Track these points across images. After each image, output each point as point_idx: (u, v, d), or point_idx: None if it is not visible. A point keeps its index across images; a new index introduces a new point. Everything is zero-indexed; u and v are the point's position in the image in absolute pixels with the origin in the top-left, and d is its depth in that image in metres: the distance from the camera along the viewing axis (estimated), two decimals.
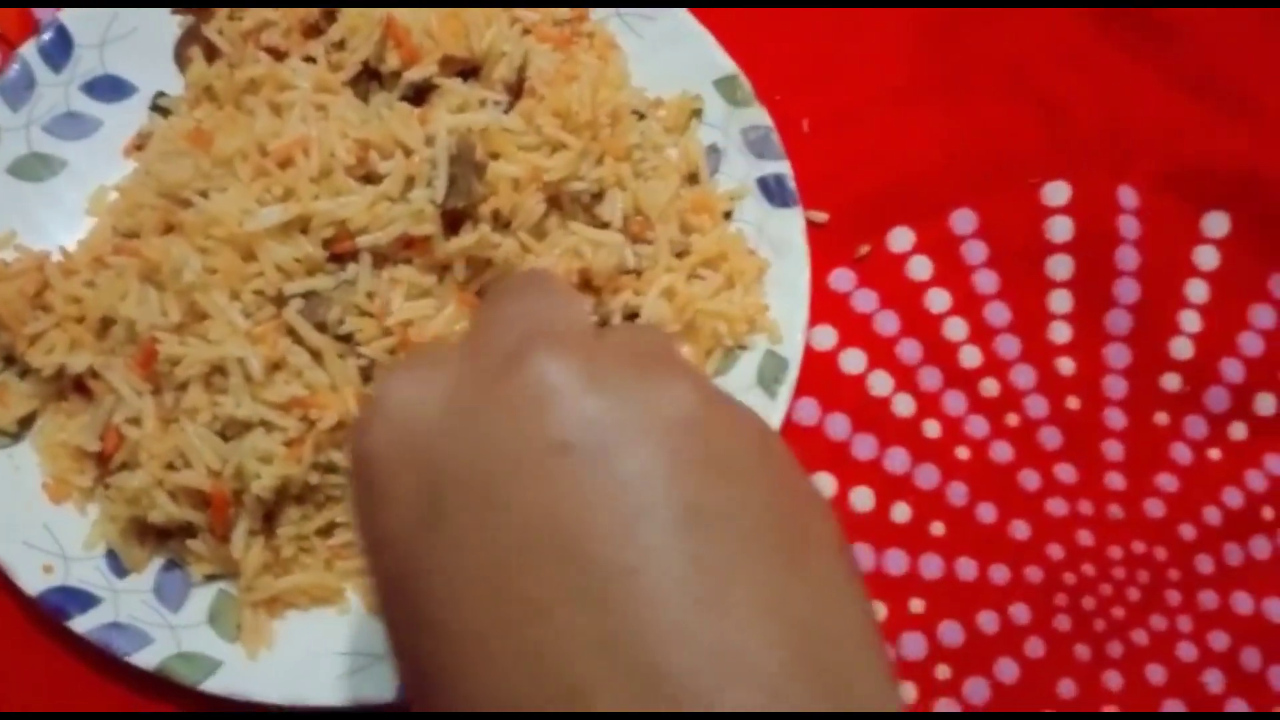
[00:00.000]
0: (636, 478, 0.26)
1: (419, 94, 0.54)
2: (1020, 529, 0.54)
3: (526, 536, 0.26)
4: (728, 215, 0.57)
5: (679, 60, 0.59)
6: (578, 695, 0.25)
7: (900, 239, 0.58)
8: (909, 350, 0.56)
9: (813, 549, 0.27)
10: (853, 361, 0.56)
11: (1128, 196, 0.59)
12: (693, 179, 0.58)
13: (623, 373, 0.28)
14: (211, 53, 0.54)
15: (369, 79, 0.54)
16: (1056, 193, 0.59)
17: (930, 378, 0.56)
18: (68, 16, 0.55)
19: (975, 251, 0.58)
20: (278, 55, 0.53)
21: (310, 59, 0.53)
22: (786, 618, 0.25)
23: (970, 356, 0.56)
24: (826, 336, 0.56)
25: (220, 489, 0.47)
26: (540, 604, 0.25)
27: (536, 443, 0.27)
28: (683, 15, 0.59)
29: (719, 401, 0.29)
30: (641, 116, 0.56)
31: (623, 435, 0.26)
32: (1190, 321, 0.58)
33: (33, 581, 0.47)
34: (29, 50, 0.54)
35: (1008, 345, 0.57)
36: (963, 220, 0.58)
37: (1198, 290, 0.58)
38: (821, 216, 0.58)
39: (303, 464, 0.47)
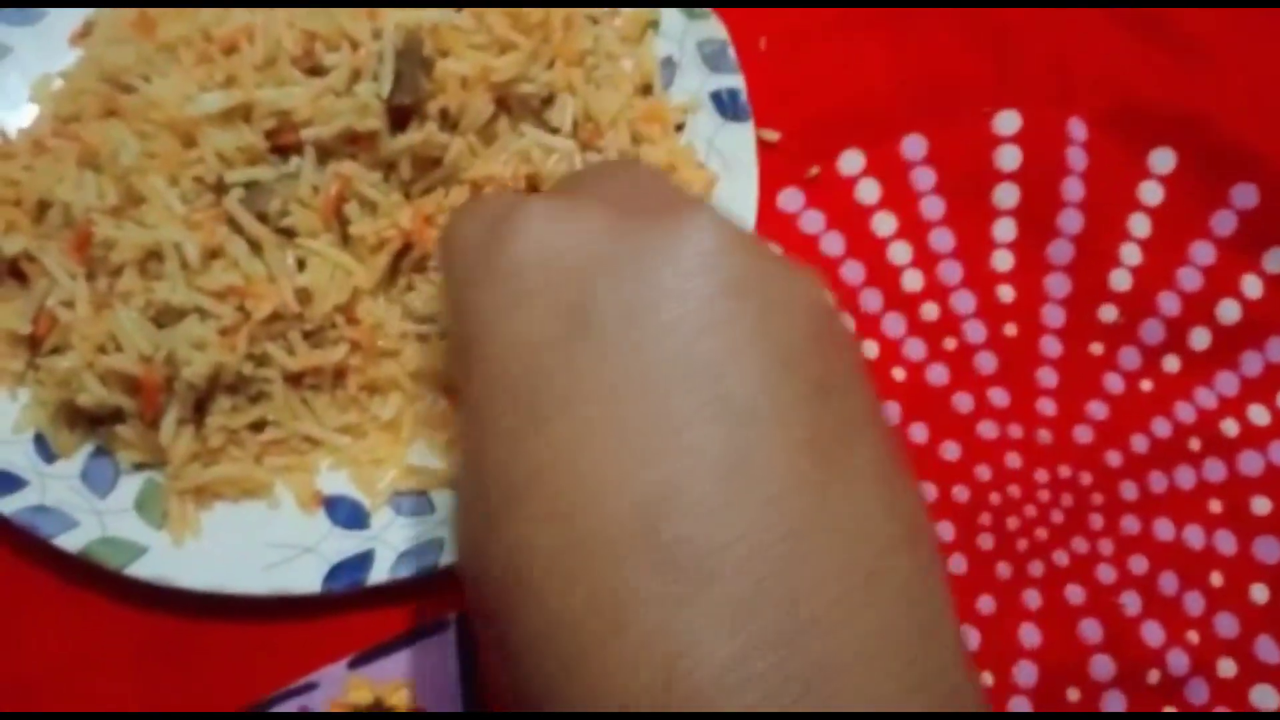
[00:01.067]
0: (786, 341, 0.29)
1: None
2: (950, 450, 0.55)
3: (675, 360, 0.28)
4: (679, 128, 0.57)
5: None
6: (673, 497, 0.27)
7: (850, 162, 0.58)
8: (852, 272, 0.57)
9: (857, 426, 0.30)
10: None
11: (1077, 129, 0.59)
12: (646, 90, 0.58)
13: (767, 250, 0.32)
14: None
15: None
16: (1007, 122, 0.59)
17: (872, 299, 0.56)
18: None
19: (924, 177, 0.58)
20: None
21: None
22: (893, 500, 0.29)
23: (912, 280, 0.57)
24: None
25: (151, 374, 0.46)
26: (675, 419, 0.27)
27: (703, 287, 0.29)
28: None
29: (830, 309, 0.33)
30: (595, 22, 0.56)
31: (778, 301, 0.29)
32: (1131, 254, 0.58)
33: None
34: None
35: (950, 271, 0.57)
36: (913, 145, 0.59)
37: (1140, 225, 0.59)
38: (773, 135, 0.58)
39: (236, 353, 0.47)
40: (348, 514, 0.50)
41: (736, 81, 0.57)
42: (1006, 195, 0.58)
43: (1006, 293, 0.57)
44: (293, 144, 0.49)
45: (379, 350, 0.51)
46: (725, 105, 0.56)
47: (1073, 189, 0.58)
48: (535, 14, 0.52)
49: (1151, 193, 0.59)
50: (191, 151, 0.48)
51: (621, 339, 0.28)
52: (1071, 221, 0.58)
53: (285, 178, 0.49)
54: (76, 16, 0.55)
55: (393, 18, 0.50)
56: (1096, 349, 0.57)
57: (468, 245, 0.35)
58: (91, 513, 0.48)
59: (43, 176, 0.48)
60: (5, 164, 0.50)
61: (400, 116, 0.50)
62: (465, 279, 0.34)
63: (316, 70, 0.50)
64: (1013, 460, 0.55)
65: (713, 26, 0.57)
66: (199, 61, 0.49)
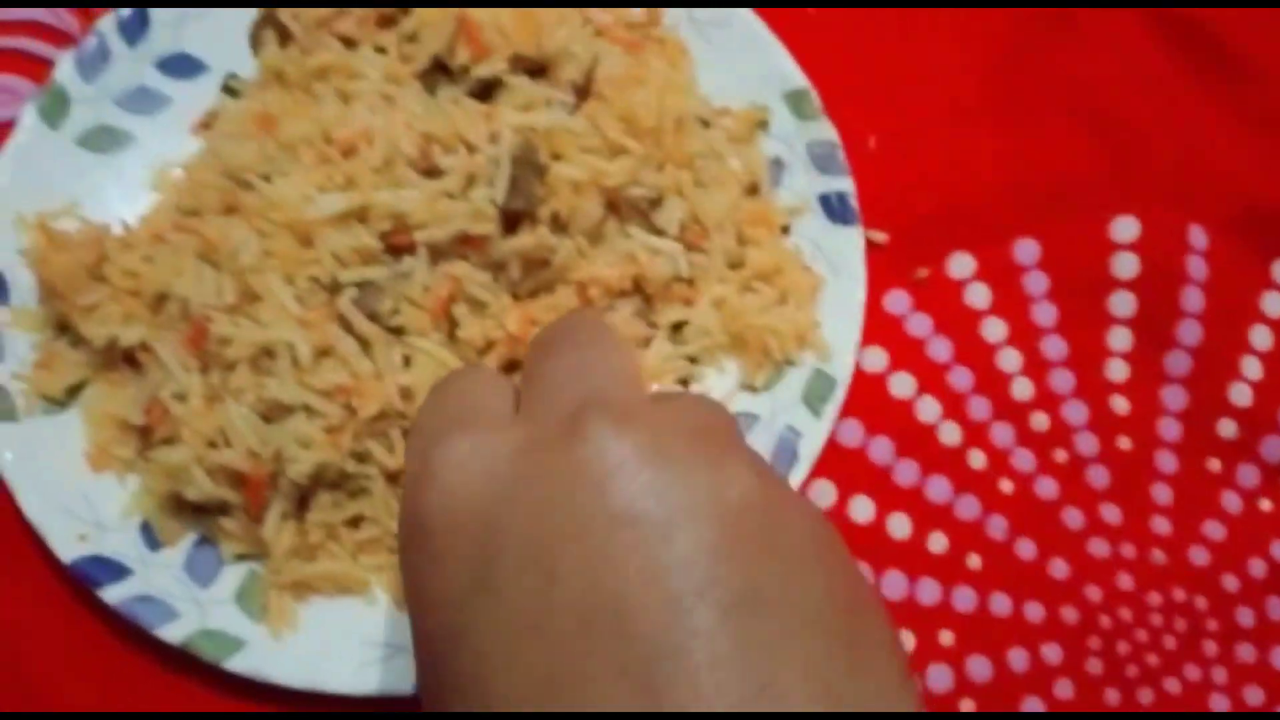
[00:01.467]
0: (692, 557, 0.25)
1: (486, 90, 0.53)
2: (1059, 567, 0.53)
3: (578, 607, 0.26)
4: (785, 230, 0.57)
5: (749, 69, 0.58)
6: None
7: (960, 265, 0.57)
8: (960, 378, 0.55)
9: (868, 644, 0.26)
10: (902, 386, 0.55)
11: (1198, 237, 0.57)
12: (753, 191, 0.57)
13: (683, 450, 0.28)
14: (285, 37, 0.54)
15: (438, 73, 0.54)
16: (1125, 228, 0.57)
17: (979, 408, 0.55)
18: None
19: (1036, 282, 0.57)
20: (349, 44, 0.53)
21: (381, 49, 0.53)
22: (837, 710, 0.24)
23: (1022, 389, 0.55)
24: (877, 358, 0.55)
25: (258, 471, 0.47)
26: (585, 675, 0.25)
27: (596, 515, 0.27)
28: (755, 23, 0.58)
29: (777, 486, 0.29)
30: (706, 125, 0.56)
31: (681, 513, 0.26)
32: (1252, 368, 0.56)
33: (67, 549, 0.48)
34: (107, 24, 0.55)
35: (1062, 380, 0.56)
36: (1025, 250, 0.57)
37: (1262, 337, 0.57)
38: (881, 236, 0.57)
39: (341, 451, 0.48)
40: None
41: (846, 185, 0.56)
42: (1122, 303, 0.57)
43: (1121, 404, 0.56)
44: (406, 245, 0.49)
45: None
46: (834, 208, 0.56)
47: (1192, 299, 0.57)
48: (648, 118, 0.52)
49: (1275, 304, 0.57)
50: (308, 251, 0.48)
51: (524, 588, 0.27)
52: (1190, 332, 0.56)
53: (398, 277, 0.49)
54: (199, 106, 0.56)
55: (508, 119, 0.51)
56: (1214, 465, 0.55)
57: (407, 482, 0.34)
58: (193, 603, 0.49)
59: (162, 270, 0.49)
60: (126, 254, 0.51)
61: (512, 219, 0.50)
62: (401, 539, 0.33)
63: (432, 172, 0.50)
64: (1124, 581, 0.53)
65: (823, 128, 0.57)
66: (318, 162, 0.49)
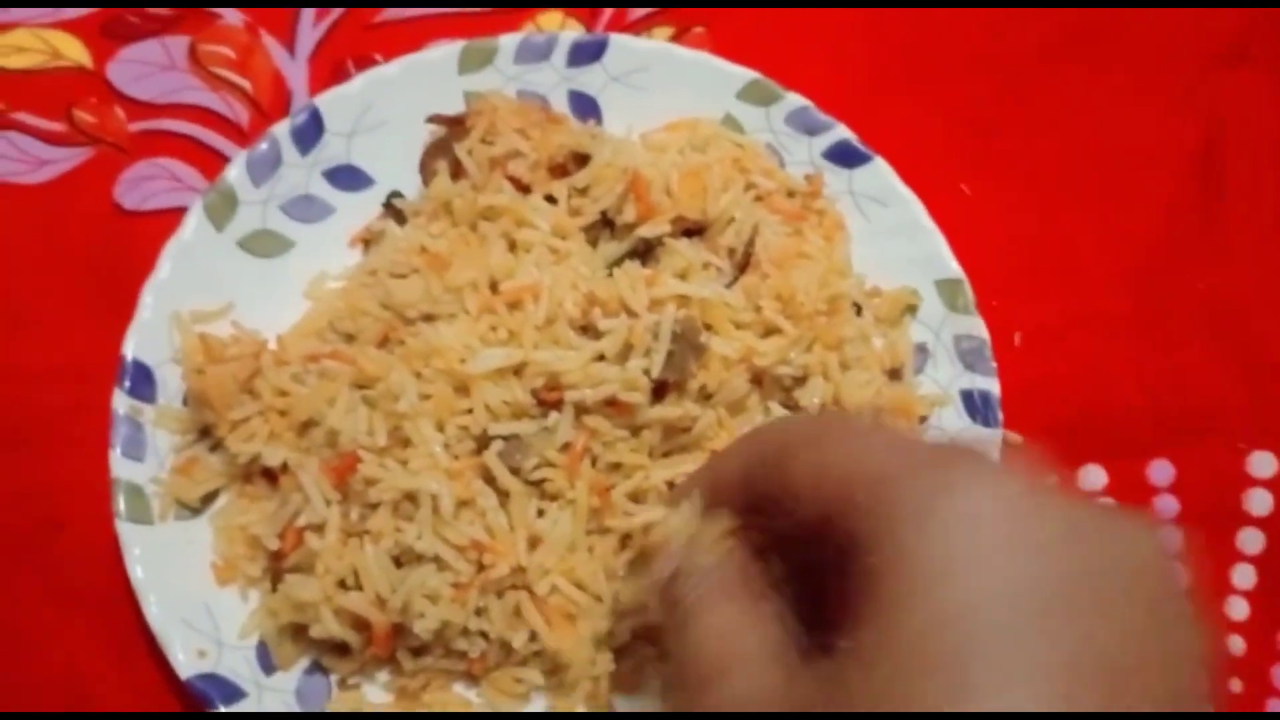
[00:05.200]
0: None
1: (647, 248, 0.54)
2: None
3: None
4: (923, 420, 0.56)
5: (904, 252, 0.58)
6: None
7: (1092, 477, 0.57)
8: None
9: None
10: None
11: None
12: (895, 375, 0.57)
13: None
14: (457, 170, 0.54)
15: (602, 226, 0.54)
16: (1262, 464, 0.57)
17: None
18: (323, 102, 0.56)
19: (1166, 505, 0.57)
20: (521, 187, 0.54)
21: (551, 198, 0.53)
22: None
23: None
24: None
25: (383, 622, 0.47)
26: None
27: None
28: (914, 204, 0.58)
29: None
30: (859, 311, 0.56)
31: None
32: None
33: (185, 665, 0.48)
34: (281, 130, 0.56)
35: None
36: (1159, 471, 0.57)
37: None
38: (1016, 439, 0.57)
39: (466, 610, 0.48)
40: None
41: (991, 385, 0.56)
42: (1251, 540, 0.56)
43: (1237, 644, 0.55)
44: (555, 401, 0.49)
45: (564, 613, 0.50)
46: (976, 408, 0.55)
47: None
48: (807, 302, 0.52)
49: None
50: (463, 400, 0.49)
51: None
52: None
53: (543, 432, 0.49)
54: (359, 219, 0.57)
55: (669, 287, 0.51)
56: None
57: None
58: None
59: (315, 396, 0.50)
60: (278, 371, 0.51)
61: (660, 389, 0.50)
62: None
63: (589, 330, 0.50)
64: None
65: (973, 323, 0.56)
66: (483, 311, 0.50)
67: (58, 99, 0.59)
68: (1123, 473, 0.57)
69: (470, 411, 0.49)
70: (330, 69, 0.60)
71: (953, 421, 0.56)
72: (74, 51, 0.60)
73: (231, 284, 0.54)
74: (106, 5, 0.60)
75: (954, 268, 0.57)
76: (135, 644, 0.50)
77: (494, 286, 0.50)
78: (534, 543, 0.49)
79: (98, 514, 0.51)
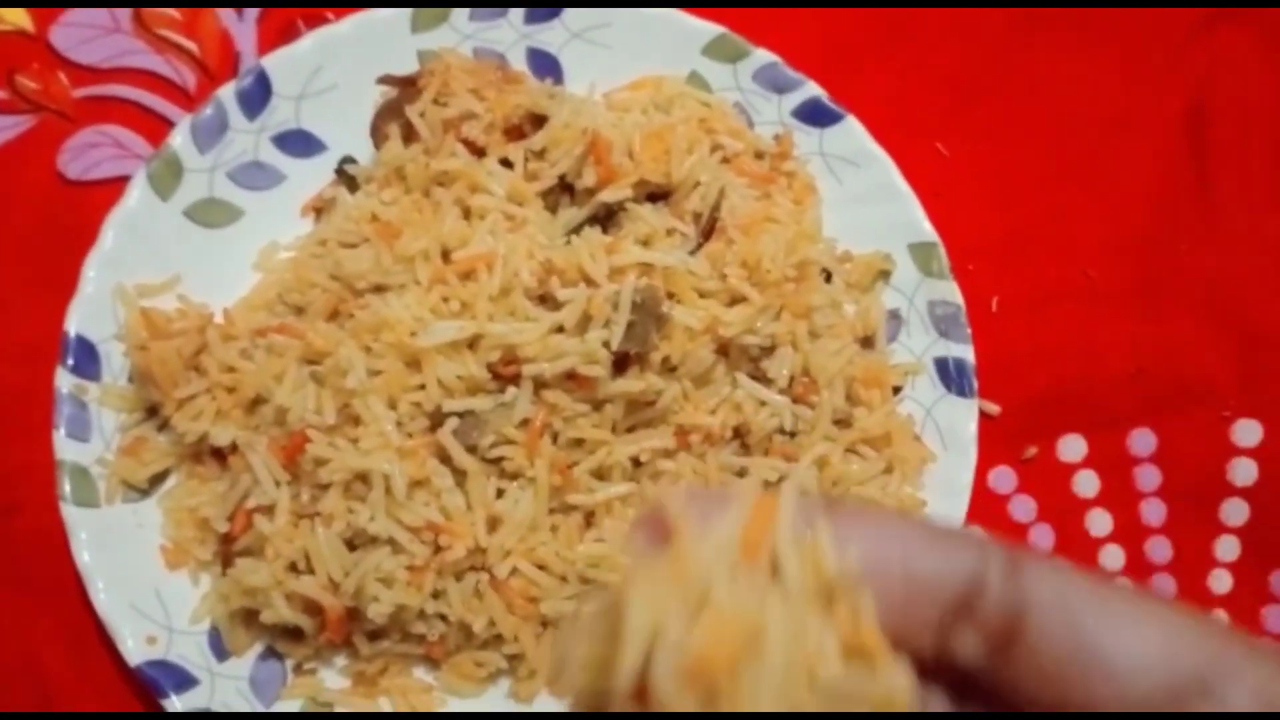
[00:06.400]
0: None
1: (608, 213, 0.52)
2: None
3: None
4: (897, 390, 0.54)
5: (877, 215, 0.56)
6: None
7: (1071, 448, 0.55)
8: None
9: None
10: None
11: None
12: (867, 343, 0.55)
13: None
14: (409, 134, 0.52)
15: (561, 192, 0.52)
16: (1247, 432, 0.55)
17: None
18: (270, 64, 0.54)
19: (1148, 477, 0.55)
20: (475, 150, 0.52)
21: (507, 162, 0.51)
22: None
23: None
24: None
25: (336, 606, 0.45)
26: None
27: None
28: (890, 168, 0.56)
29: None
30: (829, 277, 0.54)
31: None
32: None
33: (135, 652, 0.47)
34: (226, 93, 0.53)
35: (1163, 585, 0.54)
36: (1141, 441, 0.55)
37: None
38: (993, 409, 0.55)
39: (422, 593, 0.46)
40: None
41: (966, 353, 0.54)
42: (1235, 511, 0.54)
43: (1220, 618, 0.53)
44: (512, 375, 0.48)
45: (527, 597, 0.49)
46: (950, 376, 0.54)
47: None
48: (774, 270, 0.50)
49: None
50: (414, 375, 0.47)
51: None
52: None
53: (500, 408, 0.48)
54: (311, 186, 0.55)
55: (631, 255, 0.49)
56: None
57: None
58: None
59: (262, 371, 0.48)
60: (225, 347, 0.49)
61: (622, 361, 0.49)
62: None
63: (548, 300, 0.48)
64: None
65: (948, 288, 0.54)
66: (434, 281, 0.48)
67: None
68: (1103, 443, 0.55)
69: (423, 387, 0.47)
70: (280, 29, 0.58)
71: (926, 391, 0.54)
72: (15, 16, 0.57)
73: (178, 255, 0.52)
74: None
75: (928, 231, 0.55)
76: (88, 630, 0.49)
77: (446, 256, 0.48)
78: (493, 523, 0.48)
79: (51, 498, 0.49)
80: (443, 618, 0.47)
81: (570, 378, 0.48)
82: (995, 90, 0.60)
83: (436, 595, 0.47)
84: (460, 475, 0.47)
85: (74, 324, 0.50)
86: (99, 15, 0.58)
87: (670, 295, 0.50)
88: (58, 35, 0.57)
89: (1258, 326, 0.57)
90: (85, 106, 0.57)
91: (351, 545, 0.46)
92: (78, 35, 0.58)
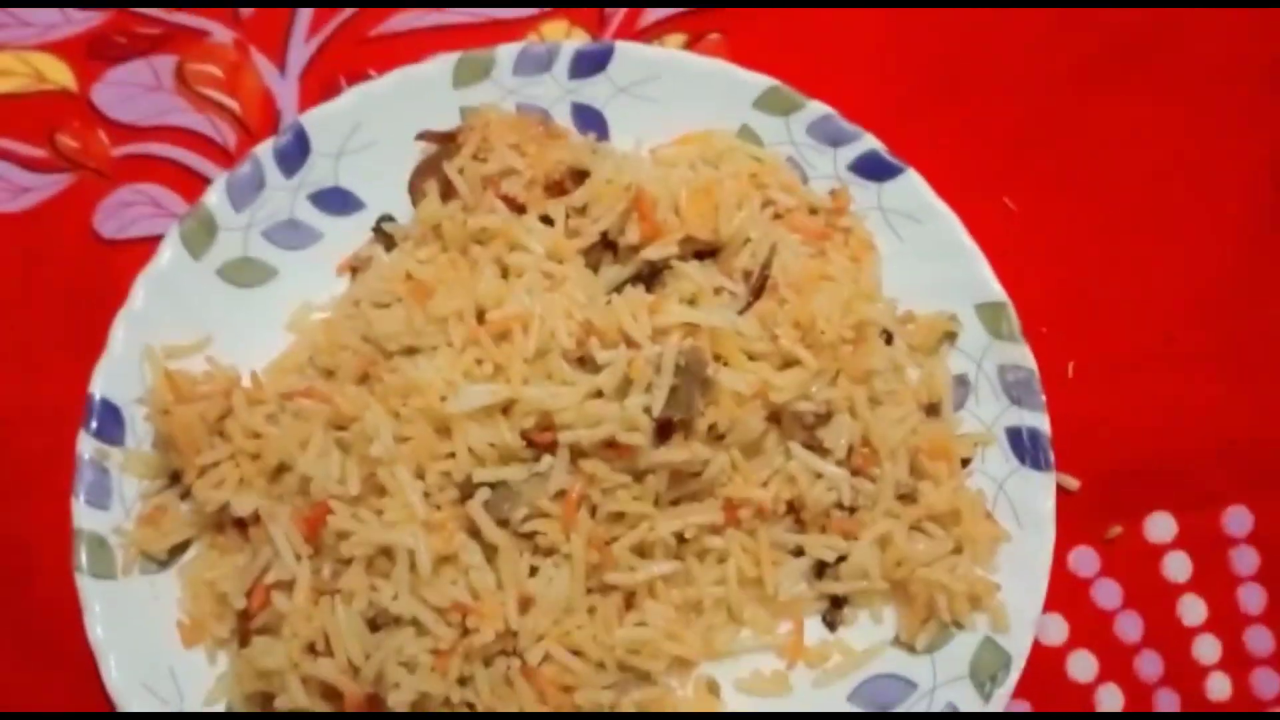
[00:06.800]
0: None
1: (653, 272, 0.49)
2: None
3: None
4: (966, 463, 0.50)
5: (941, 273, 0.52)
6: None
7: (1160, 527, 0.51)
8: (1149, 665, 0.49)
9: None
10: (1082, 667, 0.48)
11: None
12: (932, 410, 0.51)
13: None
14: (448, 190, 0.50)
15: (604, 248, 0.49)
16: None
17: (1168, 702, 0.48)
18: (309, 120, 0.52)
19: (1245, 560, 0.50)
20: (515, 207, 0.49)
21: (548, 219, 0.49)
22: None
23: (1218, 686, 0.48)
24: (1056, 629, 0.49)
25: (355, 692, 0.42)
26: None
27: None
28: (952, 222, 0.52)
29: None
30: (889, 341, 0.50)
31: None
32: None
33: None
34: (264, 150, 0.52)
35: (1265, 682, 0.49)
36: (1236, 519, 0.51)
37: None
38: (1073, 483, 0.51)
39: (447, 680, 0.43)
40: None
41: (1041, 422, 0.50)
42: None
43: None
44: (547, 443, 0.45)
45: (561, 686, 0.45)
46: (1024, 448, 0.49)
47: None
48: (829, 331, 0.47)
49: None
50: (444, 443, 0.44)
51: None
52: None
53: (534, 478, 0.45)
54: (348, 244, 0.53)
55: (675, 315, 0.46)
56: None
57: None
58: None
59: (287, 437, 0.45)
60: (251, 411, 0.47)
61: (665, 428, 0.45)
62: None
63: (586, 362, 0.46)
64: None
65: (1019, 352, 0.51)
66: (468, 343, 0.45)
67: (40, 123, 0.56)
68: (1194, 522, 0.51)
69: (453, 455, 0.44)
70: (322, 86, 0.57)
71: (998, 463, 0.50)
72: (58, 74, 0.57)
73: (210, 316, 0.51)
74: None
75: (997, 290, 0.51)
76: (99, 706, 0.46)
77: (481, 316, 0.46)
78: (525, 604, 0.44)
79: (68, 566, 0.47)
80: (470, 708, 0.44)
81: (610, 446, 0.45)
82: (1062, 142, 0.57)
83: (463, 682, 0.44)
84: (491, 551, 0.44)
85: (99, 386, 0.48)
86: (141, 73, 0.57)
87: (717, 358, 0.47)
88: (99, 93, 0.57)
89: None
90: (124, 165, 0.56)
91: (374, 625, 0.43)
92: (120, 94, 0.57)
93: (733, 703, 0.47)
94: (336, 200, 0.53)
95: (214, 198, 0.51)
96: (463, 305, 0.46)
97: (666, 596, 0.47)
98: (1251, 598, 0.50)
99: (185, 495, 0.48)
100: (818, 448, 0.48)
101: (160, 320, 0.50)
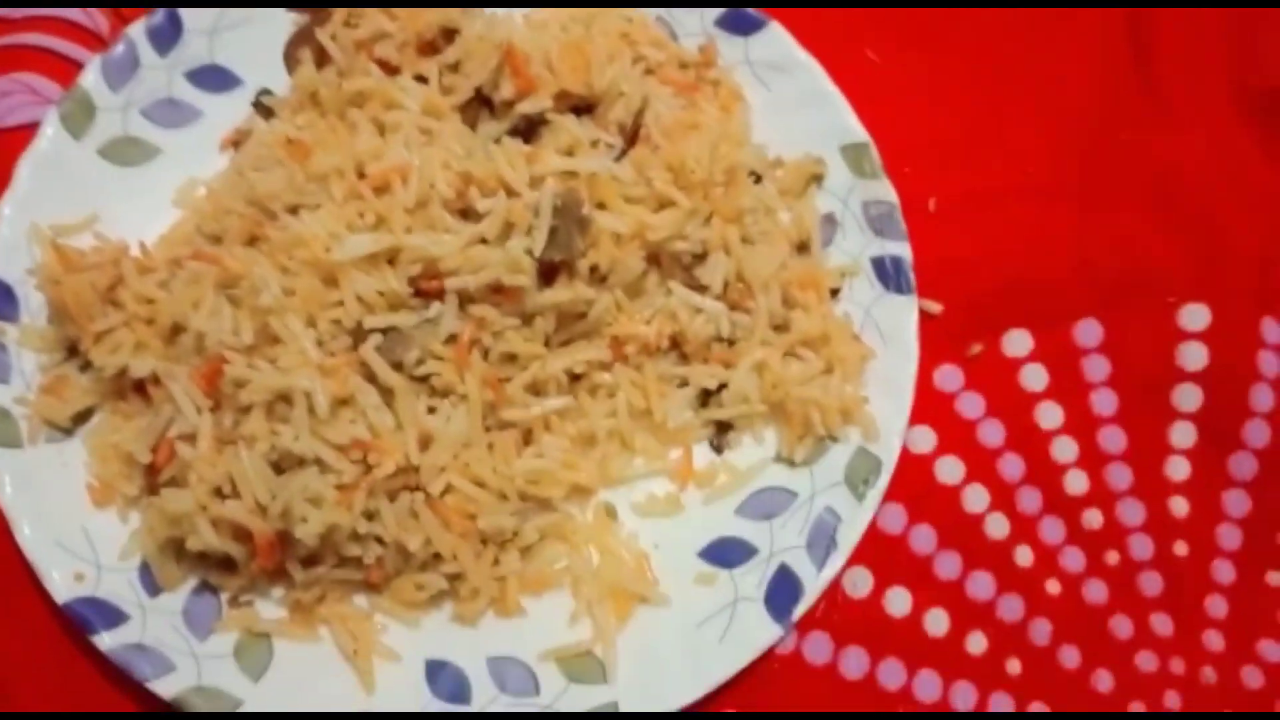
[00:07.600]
0: None
1: (530, 126, 0.51)
2: (1104, 680, 0.50)
3: None
4: (835, 293, 0.53)
5: (806, 120, 0.55)
6: None
7: (1017, 343, 0.54)
8: (1011, 466, 0.52)
9: None
10: (949, 470, 0.52)
11: (1272, 331, 0.54)
12: (802, 248, 0.54)
13: None
14: (322, 58, 0.51)
15: (480, 106, 0.51)
16: (1194, 316, 0.54)
17: (1029, 500, 0.52)
18: None
19: (1097, 368, 0.54)
20: (389, 69, 0.51)
21: (422, 78, 0.50)
22: None
23: (1076, 482, 0.52)
24: (924, 439, 0.52)
25: (264, 530, 0.44)
26: None
27: None
28: (816, 71, 0.55)
29: None
30: (758, 179, 0.53)
31: None
32: None
33: (62, 589, 0.46)
34: (137, 30, 0.52)
35: (1119, 475, 0.53)
36: (1087, 331, 0.54)
37: None
38: (935, 307, 0.54)
39: (352, 512, 0.45)
40: (450, 686, 0.47)
41: (902, 249, 0.53)
42: (1188, 397, 0.53)
43: (1180, 506, 0.52)
44: (435, 291, 0.47)
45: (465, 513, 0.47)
46: (888, 274, 0.53)
47: (1262, 398, 0.53)
48: (699, 170, 0.49)
49: None
50: (332, 292, 0.46)
51: None
52: (1258, 434, 0.53)
53: (425, 324, 0.47)
54: (229, 120, 0.53)
55: (551, 163, 0.48)
56: (1275, 579, 0.52)
57: None
58: (189, 655, 0.46)
59: (179, 299, 0.47)
60: (142, 278, 0.48)
61: (549, 270, 0.48)
62: None
63: (468, 214, 0.47)
64: (1171, 699, 0.50)
65: (882, 187, 0.53)
66: (349, 197, 0.47)
67: None
68: (1049, 337, 0.54)
69: (342, 304, 0.46)
70: None
71: (865, 291, 0.53)
72: None
73: (95, 195, 0.51)
74: None
75: (859, 131, 0.54)
76: (15, 570, 0.47)
77: (361, 172, 0.47)
78: (425, 441, 0.46)
79: None
80: (378, 539, 0.46)
81: (497, 290, 0.47)
82: None
83: (370, 517, 0.46)
84: (388, 394, 0.46)
85: None
86: None
87: (600, 206, 0.49)
88: None
89: (1206, 213, 0.56)
90: None
91: (278, 468, 0.45)
92: None
93: (629, 524, 0.50)
94: (214, 78, 0.54)
95: (90, 78, 0.52)
96: (342, 162, 0.47)
97: (561, 430, 0.50)
98: (1104, 401, 0.53)
99: (84, 367, 0.49)
100: (696, 285, 0.51)
101: (46, 200, 0.50)
